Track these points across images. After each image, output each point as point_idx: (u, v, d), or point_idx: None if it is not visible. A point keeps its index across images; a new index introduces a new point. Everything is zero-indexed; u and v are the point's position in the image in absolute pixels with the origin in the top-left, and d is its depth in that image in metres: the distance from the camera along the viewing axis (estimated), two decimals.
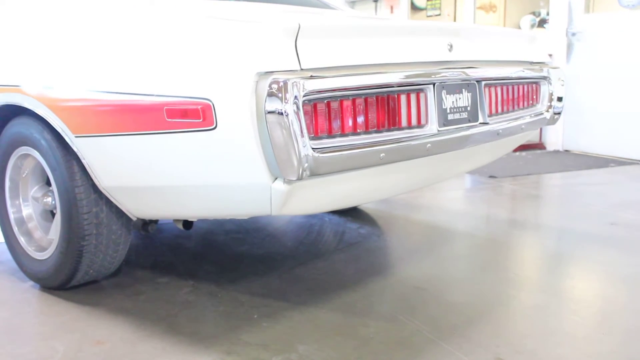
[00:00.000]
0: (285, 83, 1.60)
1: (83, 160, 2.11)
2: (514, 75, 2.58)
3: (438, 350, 1.94)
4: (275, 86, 1.61)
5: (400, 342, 1.99)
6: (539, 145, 6.05)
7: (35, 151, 2.31)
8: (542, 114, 2.80)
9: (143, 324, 2.14)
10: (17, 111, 2.36)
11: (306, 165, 1.66)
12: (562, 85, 2.89)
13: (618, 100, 5.40)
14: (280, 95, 1.61)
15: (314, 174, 1.69)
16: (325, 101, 1.74)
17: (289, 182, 1.70)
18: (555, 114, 2.87)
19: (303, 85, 1.64)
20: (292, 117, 1.62)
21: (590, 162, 5.32)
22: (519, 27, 6.54)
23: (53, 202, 2.36)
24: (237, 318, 2.18)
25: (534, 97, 2.79)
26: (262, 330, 2.08)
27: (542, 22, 6.23)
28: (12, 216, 2.52)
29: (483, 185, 4.39)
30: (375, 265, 2.76)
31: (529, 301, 2.36)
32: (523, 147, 5.69)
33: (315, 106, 1.71)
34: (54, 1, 2.41)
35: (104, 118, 2.01)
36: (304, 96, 1.64)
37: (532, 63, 2.78)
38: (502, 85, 2.51)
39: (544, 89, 2.82)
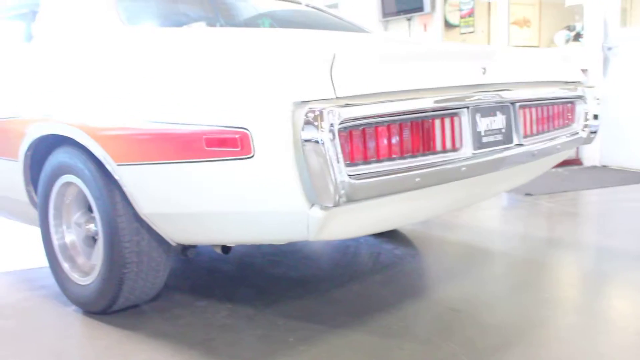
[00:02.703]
0: (321, 112, 1.65)
1: (124, 188, 2.18)
2: (548, 96, 2.59)
3: None
4: (311, 115, 1.66)
5: None
6: (575, 161, 6.00)
7: (79, 179, 2.38)
8: (577, 133, 2.81)
9: (181, 348, 2.19)
10: (60, 141, 2.45)
11: (342, 192, 1.69)
12: (598, 103, 2.89)
13: None
14: (316, 124, 1.65)
15: (350, 200, 1.73)
16: (361, 128, 1.78)
17: (325, 208, 1.73)
18: (591, 132, 2.87)
19: (339, 114, 1.68)
20: (328, 145, 1.66)
21: (629, 177, 5.26)
22: (554, 42, 6.51)
23: (95, 229, 2.43)
24: (274, 341, 2.21)
25: (570, 116, 2.80)
26: (298, 353, 2.11)
27: (577, 37, 6.19)
28: (55, 242, 2.60)
29: (519, 203, 4.38)
30: (410, 286, 2.78)
31: (565, 323, 2.35)
32: (559, 164, 5.65)
33: (350, 133, 1.75)
34: (91, 38, 2.51)
35: (145, 146, 2.07)
36: (339, 124, 1.68)
37: (566, 82, 2.78)
38: (536, 106, 2.52)
39: (579, 108, 2.83)
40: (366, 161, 1.81)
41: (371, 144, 1.82)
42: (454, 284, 2.78)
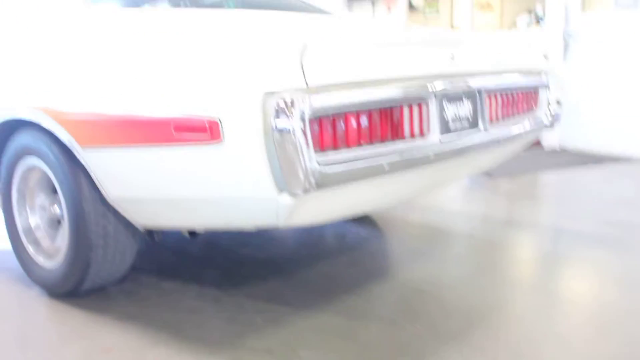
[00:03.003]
0: (291, 101, 1.65)
1: (91, 173, 2.16)
2: (513, 84, 2.63)
3: (438, 355, 1.99)
4: (282, 104, 1.66)
5: (400, 347, 2.05)
6: (536, 144, 6.11)
7: (43, 163, 2.35)
8: (541, 119, 2.86)
9: (149, 330, 2.19)
10: (23, 123, 2.40)
11: (312, 179, 1.70)
12: (561, 90, 2.95)
13: (614, 98, 5.48)
14: (286, 113, 1.65)
15: (319, 186, 1.74)
16: (331, 117, 1.79)
17: (295, 195, 1.74)
18: (554, 118, 2.93)
19: (309, 103, 1.68)
20: (298, 133, 1.66)
21: (586, 159, 5.39)
22: (516, 26, 6.58)
23: (60, 212, 2.41)
24: (242, 323, 2.23)
25: (534, 103, 2.85)
26: (266, 335, 2.14)
27: (538, 20, 6.27)
28: (19, 226, 2.56)
29: (480, 184, 4.46)
30: (375, 268, 2.82)
31: (526, 304, 2.42)
32: None
33: (320, 122, 1.76)
34: (54, 18, 2.45)
35: (112, 130, 2.05)
36: (309, 113, 1.69)
37: (531, 70, 2.83)
38: (502, 93, 2.56)
39: (543, 94, 2.89)
40: (336, 148, 1.82)
41: (341, 132, 1.83)
42: (419, 265, 2.82)
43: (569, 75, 5.80)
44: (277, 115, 1.67)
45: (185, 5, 2.90)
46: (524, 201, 4.13)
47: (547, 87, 2.87)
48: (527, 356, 1.99)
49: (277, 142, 1.68)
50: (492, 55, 2.59)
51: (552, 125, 2.91)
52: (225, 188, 1.86)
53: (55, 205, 2.47)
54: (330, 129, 1.80)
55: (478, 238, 3.29)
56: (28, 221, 2.57)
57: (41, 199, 2.54)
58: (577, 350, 2.05)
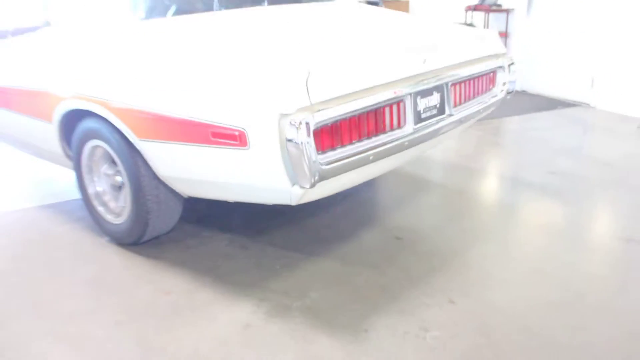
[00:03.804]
0: (300, 122, 1.91)
1: (145, 157, 2.43)
2: (475, 72, 2.82)
3: (410, 295, 2.33)
4: (293, 122, 1.92)
5: (382, 288, 2.39)
6: None
7: (107, 144, 2.61)
8: (497, 95, 3.07)
9: (195, 275, 2.52)
10: (87, 114, 2.64)
11: (316, 176, 1.99)
12: (513, 69, 3.12)
13: (566, 49, 5.60)
14: (296, 129, 1.92)
15: (322, 179, 2.03)
16: (329, 125, 2.05)
17: (303, 187, 2.03)
18: (507, 92, 3.13)
19: (313, 119, 1.95)
20: (305, 143, 1.94)
21: (542, 103, 5.59)
22: None
23: (121, 180, 2.69)
24: (265, 269, 2.56)
25: (491, 83, 3.04)
26: (283, 279, 2.48)
27: None
28: (90, 191, 2.86)
29: None
30: (364, 216, 3.10)
31: (480, 251, 2.71)
32: None
33: (322, 130, 2.02)
34: (115, 30, 2.65)
35: (163, 128, 2.30)
36: (313, 126, 1.95)
37: (490, 56, 3.00)
38: (464, 81, 2.77)
39: (499, 75, 3.07)
40: (333, 148, 2.09)
41: (337, 135, 2.10)
42: (398, 214, 3.12)
43: (531, 27, 5.91)
44: (290, 131, 1.93)
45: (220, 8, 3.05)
46: (487, 149, 4.35)
47: (502, 68, 3.06)
48: (473, 295, 2.33)
49: (290, 149, 1.96)
50: (457, 49, 2.77)
51: (505, 98, 3.11)
52: (250, 180, 2.15)
53: (116, 175, 2.75)
54: (329, 134, 2.06)
55: (448, 187, 3.54)
56: (96, 188, 2.86)
57: (104, 168, 2.82)
58: (514, 291, 2.37)
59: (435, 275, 2.49)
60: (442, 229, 2.95)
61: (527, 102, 5.68)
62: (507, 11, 6.02)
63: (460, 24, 6.39)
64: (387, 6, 7.21)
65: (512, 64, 3.14)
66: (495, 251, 2.71)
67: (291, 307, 2.27)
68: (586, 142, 4.41)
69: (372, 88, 2.23)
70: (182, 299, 2.35)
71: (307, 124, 1.93)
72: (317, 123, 1.97)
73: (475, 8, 6.19)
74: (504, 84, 3.10)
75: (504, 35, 6.13)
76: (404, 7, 7.31)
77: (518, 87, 6.17)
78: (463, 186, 3.54)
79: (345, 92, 2.12)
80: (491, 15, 6.12)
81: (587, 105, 5.43)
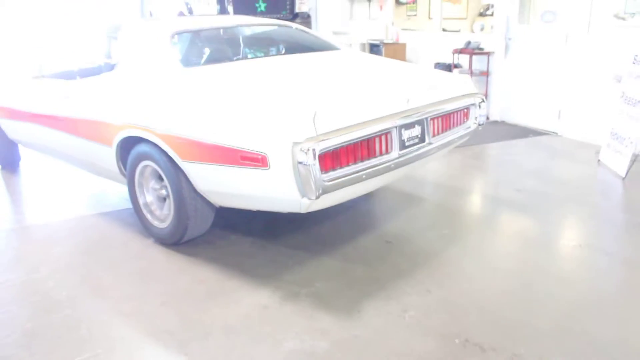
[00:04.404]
0: (308, 148, 2.25)
1: (187, 174, 2.77)
2: (450, 108, 3.12)
3: (395, 286, 2.63)
4: (303, 149, 2.26)
5: (373, 280, 2.69)
6: None
7: (156, 165, 2.96)
8: (470, 127, 3.37)
9: (224, 269, 2.84)
10: (139, 140, 2.99)
11: (320, 190, 2.32)
12: (483, 105, 3.42)
13: (537, 86, 5.89)
14: (305, 154, 2.26)
15: (325, 192, 2.36)
16: (331, 151, 2.38)
17: (310, 199, 2.36)
18: (479, 124, 3.43)
19: (318, 147, 2.28)
20: (312, 165, 2.27)
21: (517, 132, 5.86)
22: (472, 30, 6.94)
23: (165, 193, 3.03)
24: (280, 265, 2.87)
25: (465, 117, 3.34)
26: (294, 272, 2.79)
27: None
28: (140, 202, 3.20)
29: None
30: (362, 224, 3.41)
31: (454, 252, 3.01)
32: None
33: (325, 155, 2.35)
34: (162, 75, 3.01)
35: (202, 152, 2.64)
36: (318, 152, 2.29)
37: (464, 95, 3.30)
38: (441, 116, 3.07)
39: (472, 111, 3.37)
40: (334, 169, 2.42)
41: (336, 159, 2.42)
42: (390, 223, 3.42)
43: (508, 67, 6.22)
44: (300, 155, 2.27)
45: (249, 57, 3.40)
46: (467, 170, 4.62)
47: (475, 105, 3.37)
48: (446, 286, 2.62)
49: (300, 169, 2.29)
50: (436, 90, 3.08)
51: (477, 130, 3.41)
52: (270, 193, 2.48)
53: (162, 189, 3.09)
54: (330, 158, 2.39)
55: (430, 202, 3.83)
56: (145, 199, 3.20)
57: (152, 183, 3.16)
58: (476, 283, 2.67)
59: (418, 271, 2.78)
60: (425, 235, 3.25)
61: (504, 131, 5.97)
62: (488, 54, 6.34)
63: (447, 64, 6.75)
64: (386, 48, 7.58)
65: (483, 101, 3.43)
66: (466, 252, 3.00)
67: (300, 293, 2.58)
68: (550, 165, 4.68)
69: (365, 122, 2.56)
70: (214, 286, 2.66)
71: (313, 150, 2.27)
72: (322, 149, 2.31)
73: (461, 51, 6.52)
74: (476, 117, 3.40)
75: (485, 74, 6.45)
76: (401, 49, 7.66)
77: (498, 118, 6.47)
78: (444, 200, 3.84)
79: (344, 125, 2.46)
80: (474, 57, 6.44)
81: (555, 133, 5.71)
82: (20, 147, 4.79)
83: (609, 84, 5.00)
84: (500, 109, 6.44)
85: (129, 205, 3.28)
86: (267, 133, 2.39)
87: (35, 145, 4.14)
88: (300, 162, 2.28)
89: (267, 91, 2.71)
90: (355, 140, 2.49)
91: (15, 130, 4.26)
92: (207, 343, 2.22)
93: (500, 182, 4.23)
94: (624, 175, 4.19)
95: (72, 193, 4.18)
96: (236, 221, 3.46)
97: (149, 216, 3.18)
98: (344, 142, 2.43)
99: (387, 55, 7.40)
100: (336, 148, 2.41)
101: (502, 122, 6.40)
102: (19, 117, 4.05)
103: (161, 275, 2.82)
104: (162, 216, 3.13)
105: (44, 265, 2.96)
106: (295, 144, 2.28)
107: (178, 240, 3.04)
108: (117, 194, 4.05)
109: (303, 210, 2.47)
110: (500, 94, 6.39)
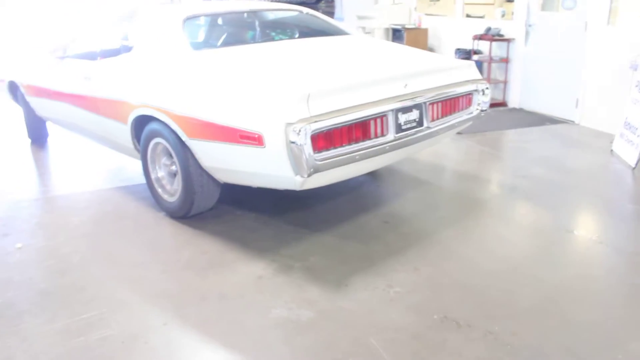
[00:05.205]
0: (300, 129, 2.37)
1: (193, 151, 2.93)
2: (452, 93, 3.19)
3: (386, 263, 2.75)
4: (295, 129, 2.38)
5: (366, 257, 2.81)
6: (502, 104, 6.57)
7: (165, 142, 3.12)
8: (472, 113, 3.43)
9: (227, 241, 3.00)
10: (151, 119, 3.17)
11: (312, 169, 2.45)
12: (487, 92, 3.46)
13: (556, 74, 5.85)
14: (297, 134, 2.38)
15: (317, 171, 2.48)
16: (324, 132, 2.49)
17: (302, 176, 2.49)
18: (481, 111, 3.47)
19: (310, 128, 2.40)
20: (303, 145, 2.39)
21: (534, 119, 5.85)
22: (494, 16, 6.88)
23: (175, 169, 3.20)
24: (279, 239, 3.02)
25: (468, 103, 3.40)
26: (292, 247, 2.93)
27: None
28: (152, 177, 3.38)
29: (451, 140, 4.92)
30: (363, 204, 3.52)
31: (447, 233, 3.09)
32: (490, 105, 6.21)
33: (318, 135, 2.47)
34: (172, 56, 3.16)
35: (206, 130, 2.79)
36: (310, 133, 2.41)
37: (468, 81, 3.36)
38: (441, 100, 3.14)
39: (475, 97, 3.43)
40: (327, 149, 2.54)
41: (330, 140, 2.54)
42: (389, 204, 3.53)
43: (528, 54, 6.19)
44: (292, 135, 2.39)
45: (260, 41, 3.52)
46: (477, 156, 4.66)
47: (478, 91, 3.42)
48: (434, 265, 2.72)
49: (293, 149, 2.42)
50: (435, 76, 3.13)
51: (479, 116, 3.46)
52: (266, 170, 2.62)
53: (172, 165, 3.26)
54: (323, 138, 2.50)
55: (433, 185, 3.91)
56: (157, 174, 3.38)
57: (163, 159, 3.33)
58: (464, 264, 2.75)
59: (409, 250, 2.89)
60: (421, 216, 3.35)
61: (521, 118, 5.96)
62: (509, 40, 6.31)
63: (467, 50, 6.74)
64: (408, 34, 7.60)
65: (487, 88, 3.48)
66: (458, 234, 3.09)
67: (294, 266, 2.73)
68: (561, 153, 4.68)
69: (360, 105, 2.66)
70: (215, 257, 2.83)
71: (305, 130, 2.39)
72: (314, 130, 2.43)
73: (480, 37, 6.50)
74: (479, 104, 3.46)
75: (505, 60, 6.43)
76: (423, 34, 7.66)
77: (516, 105, 6.46)
78: (448, 185, 3.92)
79: (339, 107, 2.57)
80: (494, 43, 6.42)
81: (572, 122, 5.68)
82: (48, 123, 5.05)
83: (627, 73, 4.96)
84: (519, 96, 6.42)
85: (143, 180, 3.47)
86: (263, 113, 2.52)
87: (59, 121, 4.37)
88: (292, 142, 2.41)
89: (266, 74, 2.84)
90: (349, 123, 2.59)
91: (42, 107, 4.50)
92: (201, 307, 2.39)
93: (507, 168, 4.27)
94: (634, 166, 4.18)
95: (92, 167, 4.42)
96: (243, 198, 3.61)
97: (160, 190, 3.36)
98: (338, 124, 2.54)
99: (408, 41, 7.43)
100: (329, 129, 2.52)
101: (520, 110, 6.38)
102: (45, 95, 4.28)
103: (168, 245, 3.00)
104: (172, 191, 3.31)
105: (62, 232, 3.17)
106: (288, 124, 2.41)
107: (186, 213, 3.22)
108: (133, 169, 4.26)
109: (297, 188, 2.60)
110: (519, 81, 6.36)
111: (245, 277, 2.63)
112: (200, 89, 2.84)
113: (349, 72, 2.96)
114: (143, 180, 3.51)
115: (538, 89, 6.14)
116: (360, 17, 8.60)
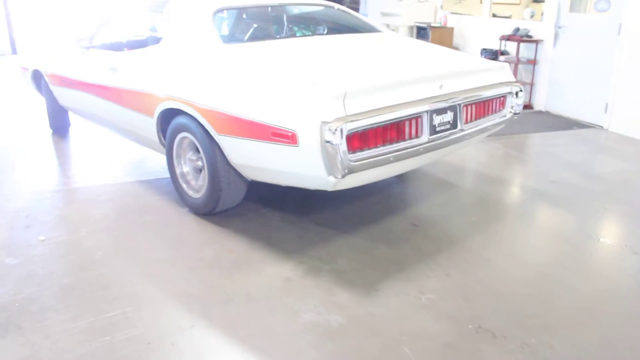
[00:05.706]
0: (335, 128, 2.30)
1: (221, 147, 2.87)
2: (484, 96, 3.10)
3: (415, 267, 2.68)
4: (331, 128, 2.31)
5: (395, 261, 2.74)
6: (528, 106, 6.45)
7: (192, 136, 3.07)
8: (505, 115, 3.35)
9: (253, 240, 2.94)
10: (178, 112, 3.11)
11: (346, 169, 2.38)
12: (521, 95, 3.38)
13: (585, 77, 5.73)
14: (333, 133, 2.31)
15: (351, 172, 2.41)
16: (360, 132, 2.42)
17: (336, 177, 2.42)
18: (515, 114, 3.39)
19: (346, 127, 2.33)
20: (339, 144, 2.32)
21: (561, 123, 5.74)
22: (522, 17, 6.76)
23: (201, 164, 3.14)
24: (306, 240, 2.96)
25: (501, 106, 3.32)
26: (319, 249, 2.86)
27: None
28: (177, 172, 3.32)
29: (478, 144, 4.87)
30: (391, 206, 3.45)
31: (477, 239, 3.01)
32: None
33: (353, 135, 2.40)
34: (203, 50, 3.10)
35: (236, 126, 2.73)
36: (346, 132, 2.34)
37: (501, 83, 3.27)
38: (475, 102, 3.06)
39: (509, 99, 3.34)
40: (362, 149, 2.47)
41: (365, 140, 2.47)
42: (418, 206, 3.45)
43: (557, 56, 6.06)
44: (328, 134, 2.32)
45: (289, 36, 3.45)
46: (504, 160, 4.57)
47: (512, 94, 3.33)
48: (465, 271, 2.64)
49: (327, 148, 2.35)
50: (470, 77, 3.06)
51: (512, 119, 3.37)
52: (298, 169, 2.55)
53: (198, 161, 3.20)
54: (358, 139, 2.43)
55: (461, 188, 3.83)
56: (182, 169, 3.32)
57: (189, 154, 3.28)
58: (494, 268, 2.67)
59: (439, 255, 2.82)
60: (451, 220, 3.27)
61: (548, 121, 5.85)
62: (537, 42, 6.19)
63: (494, 50, 6.62)
64: (433, 32, 7.49)
65: (520, 90, 3.39)
66: (488, 239, 3.01)
67: (322, 269, 2.66)
68: (589, 158, 4.57)
69: (395, 105, 2.59)
70: (241, 257, 2.77)
71: (341, 130, 2.32)
72: (350, 130, 2.36)
73: (508, 38, 6.38)
74: (512, 107, 3.37)
75: (533, 62, 6.30)
76: (449, 33, 7.55)
77: (542, 108, 6.34)
78: (476, 188, 3.83)
79: (374, 107, 2.49)
80: (522, 44, 6.29)
81: (601, 127, 5.56)
82: (70, 113, 5.02)
83: None
84: (545, 99, 6.30)
85: (167, 174, 3.42)
86: (297, 111, 2.45)
87: (82, 112, 4.33)
88: (327, 141, 2.34)
89: (300, 70, 2.77)
90: (384, 123, 2.52)
91: (65, 97, 4.47)
92: (228, 308, 2.33)
93: (535, 173, 4.18)
94: None
95: (113, 159, 4.37)
96: (268, 196, 3.56)
97: (184, 186, 3.31)
98: (373, 124, 2.47)
99: (433, 40, 7.32)
100: (365, 129, 2.45)
101: (547, 113, 6.26)
102: (69, 84, 4.24)
103: (192, 242, 2.94)
104: (197, 186, 3.25)
105: (84, 226, 3.13)
106: (324, 123, 2.33)
107: (211, 210, 3.16)
108: (156, 163, 4.21)
109: (330, 188, 2.53)
110: (546, 83, 6.24)
111: (272, 279, 2.57)
112: (232, 84, 2.78)
113: (384, 71, 2.88)
114: (165, 174, 3.47)
115: (565, 92, 6.01)
116: (384, 14, 8.50)
